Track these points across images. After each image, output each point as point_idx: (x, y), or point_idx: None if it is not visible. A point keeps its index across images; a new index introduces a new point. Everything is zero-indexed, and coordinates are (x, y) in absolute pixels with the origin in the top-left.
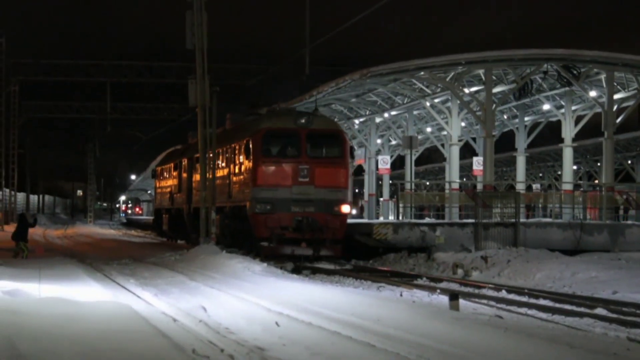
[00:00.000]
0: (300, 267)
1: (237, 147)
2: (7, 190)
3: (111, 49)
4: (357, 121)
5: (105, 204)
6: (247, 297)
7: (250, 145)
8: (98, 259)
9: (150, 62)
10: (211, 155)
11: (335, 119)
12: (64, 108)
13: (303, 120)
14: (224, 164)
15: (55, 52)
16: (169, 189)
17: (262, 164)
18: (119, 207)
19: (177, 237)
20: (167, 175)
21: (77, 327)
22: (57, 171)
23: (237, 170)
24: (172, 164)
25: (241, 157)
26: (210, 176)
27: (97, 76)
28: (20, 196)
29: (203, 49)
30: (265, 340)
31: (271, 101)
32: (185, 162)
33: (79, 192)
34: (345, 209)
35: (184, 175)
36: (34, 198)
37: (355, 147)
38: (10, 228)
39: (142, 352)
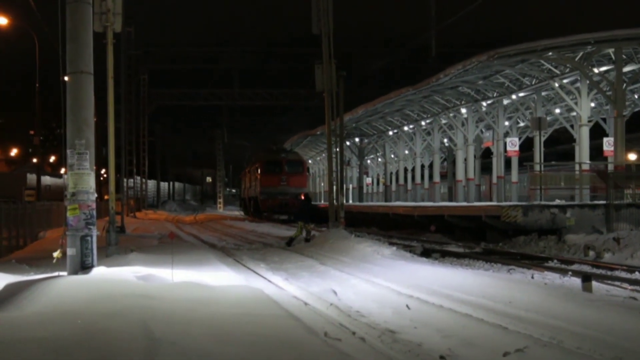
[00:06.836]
0: (430, 250)
1: (255, 167)
2: (138, 177)
3: (239, 36)
4: (484, 103)
5: (234, 190)
6: (377, 280)
7: (258, 166)
8: (229, 243)
9: (278, 47)
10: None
11: (462, 101)
12: (192, 95)
13: (283, 154)
14: (253, 174)
15: (183, 40)
16: (241, 186)
17: (264, 175)
18: None
19: (246, 213)
20: (241, 177)
21: (210, 310)
22: (187, 158)
23: (256, 178)
24: (243, 172)
25: (256, 172)
26: (259, 176)
27: (224, 63)
28: (151, 183)
29: (329, 34)
30: (396, 323)
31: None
32: (247, 170)
33: (208, 179)
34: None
35: (245, 178)
36: (164, 185)
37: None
38: (142, 215)
39: (274, 335)
